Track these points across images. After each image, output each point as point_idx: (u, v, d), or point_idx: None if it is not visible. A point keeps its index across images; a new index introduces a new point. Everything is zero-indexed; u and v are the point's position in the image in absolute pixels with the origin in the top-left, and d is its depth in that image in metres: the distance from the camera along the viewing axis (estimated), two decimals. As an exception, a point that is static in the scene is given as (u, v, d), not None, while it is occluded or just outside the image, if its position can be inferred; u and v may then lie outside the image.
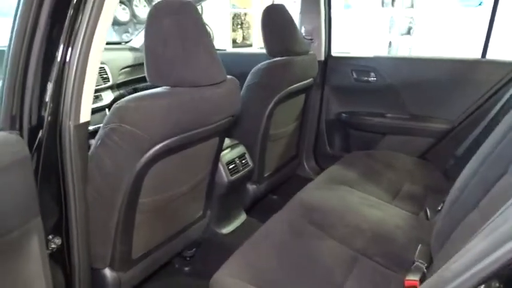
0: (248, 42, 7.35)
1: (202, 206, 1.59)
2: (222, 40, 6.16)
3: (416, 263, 1.24)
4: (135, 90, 2.35)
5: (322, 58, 2.33)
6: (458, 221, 1.17)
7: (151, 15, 1.15)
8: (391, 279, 1.22)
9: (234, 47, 6.66)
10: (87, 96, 0.96)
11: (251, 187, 1.97)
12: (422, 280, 1.18)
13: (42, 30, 0.84)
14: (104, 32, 0.96)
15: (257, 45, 8.12)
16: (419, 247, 1.30)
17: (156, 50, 1.13)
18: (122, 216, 1.19)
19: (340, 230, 1.40)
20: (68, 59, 0.92)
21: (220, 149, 1.51)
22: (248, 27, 8.17)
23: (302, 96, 2.10)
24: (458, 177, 1.35)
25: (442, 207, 1.51)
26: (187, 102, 1.17)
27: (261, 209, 2.17)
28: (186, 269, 1.77)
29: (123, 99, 1.11)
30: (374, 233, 1.40)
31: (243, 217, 1.97)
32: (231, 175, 1.74)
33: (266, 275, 1.14)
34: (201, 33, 1.19)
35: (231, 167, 1.75)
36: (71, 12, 0.90)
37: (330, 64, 2.38)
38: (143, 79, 2.41)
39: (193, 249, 1.76)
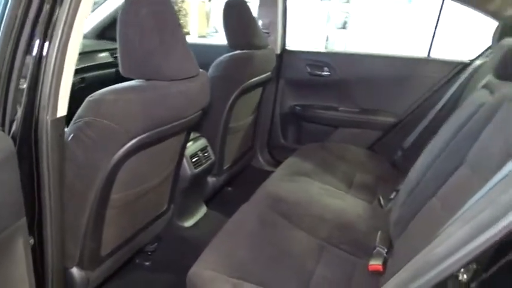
0: (185, 31, 7.19)
1: (166, 200, 1.57)
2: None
3: (378, 248, 1.34)
4: (83, 80, 2.24)
5: (278, 52, 2.37)
6: (417, 209, 1.27)
7: (128, 4, 1.10)
8: (356, 264, 1.30)
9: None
10: (64, 90, 0.92)
11: (211, 180, 1.97)
12: (384, 264, 1.28)
13: (30, 25, 0.79)
14: (82, 24, 0.92)
15: (195, 34, 7.97)
16: (379, 234, 1.40)
17: (132, 41, 1.09)
18: (94, 212, 1.15)
19: (307, 220, 1.46)
20: (45, 53, 0.87)
21: (186, 142, 1.50)
22: (185, 15, 7.96)
23: (259, 90, 2.13)
24: (412, 168, 1.46)
25: (394, 196, 1.63)
26: (164, 96, 1.14)
27: (219, 200, 2.18)
28: (147, 263, 1.74)
29: (97, 92, 1.07)
30: (337, 222, 1.48)
31: (203, 210, 1.98)
32: (195, 168, 1.73)
33: (242, 266, 1.17)
34: (177, 26, 1.17)
35: (194, 160, 1.74)
36: (47, 6, 0.86)
37: (285, 58, 2.42)
38: (92, 68, 2.31)
39: (155, 244, 1.74)
